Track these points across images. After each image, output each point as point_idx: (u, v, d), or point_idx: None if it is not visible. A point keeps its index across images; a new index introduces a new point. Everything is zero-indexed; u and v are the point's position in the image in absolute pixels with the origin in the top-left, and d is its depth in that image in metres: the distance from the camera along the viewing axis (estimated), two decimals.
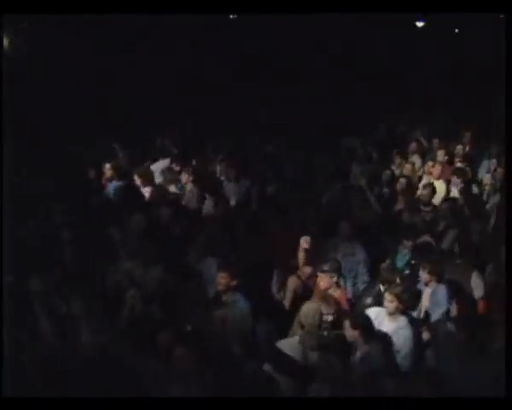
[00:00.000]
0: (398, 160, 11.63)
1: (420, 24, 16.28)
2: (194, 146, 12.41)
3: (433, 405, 4.48)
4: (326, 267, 6.89)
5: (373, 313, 6.38)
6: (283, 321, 6.67)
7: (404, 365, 6.15)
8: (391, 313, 6.35)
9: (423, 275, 7.10)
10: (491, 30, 10.23)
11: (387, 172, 10.79)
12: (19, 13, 6.37)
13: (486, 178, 10.72)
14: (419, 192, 10.58)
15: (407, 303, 6.43)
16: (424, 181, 10.81)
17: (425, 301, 7.01)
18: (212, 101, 13.48)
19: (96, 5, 6.79)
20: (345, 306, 6.81)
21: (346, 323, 6.07)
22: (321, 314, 5.82)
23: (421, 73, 14.80)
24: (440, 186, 10.60)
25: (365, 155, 11.59)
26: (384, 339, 6.18)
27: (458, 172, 10.51)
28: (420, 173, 11.48)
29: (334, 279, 6.88)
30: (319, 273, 6.94)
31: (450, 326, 6.21)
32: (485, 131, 12.79)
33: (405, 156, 11.94)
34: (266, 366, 5.58)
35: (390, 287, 6.50)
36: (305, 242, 7.13)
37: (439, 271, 7.02)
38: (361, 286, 7.75)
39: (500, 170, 10.82)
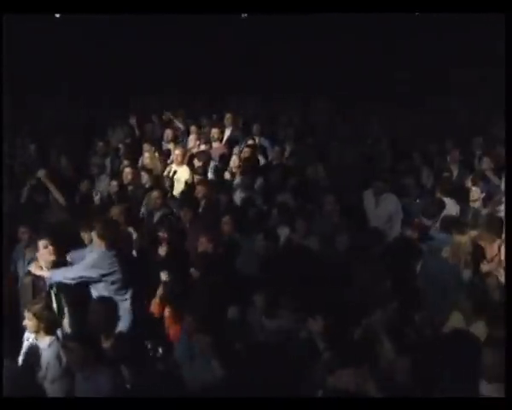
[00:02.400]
0: (147, 148, 10.62)
1: None
2: None
3: (433, 405, 4.25)
4: None
5: None
6: None
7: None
8: (34, 332, 5.50)
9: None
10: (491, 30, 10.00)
11: (125, 162, 9.83)
12: (19, 13, 6.50)
13: (233, 160, 9.92)
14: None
15: (48, 321, 5.49)
16: (167, 170, 9.94)
17: None
18: None
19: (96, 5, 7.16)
20: None
21: None
22: None
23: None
24: (184, 173, 9.76)
25: (105, 148, 10.51)
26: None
27: (198, 156, 9.72)
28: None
29: None
30: None
31: None
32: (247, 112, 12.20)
33: (158, 145, 10.96)
34: None
35: (29, 304, 5.59)
36: None
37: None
38: None
39: (247, 149, 10.16)
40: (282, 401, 4.24)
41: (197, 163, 9.65)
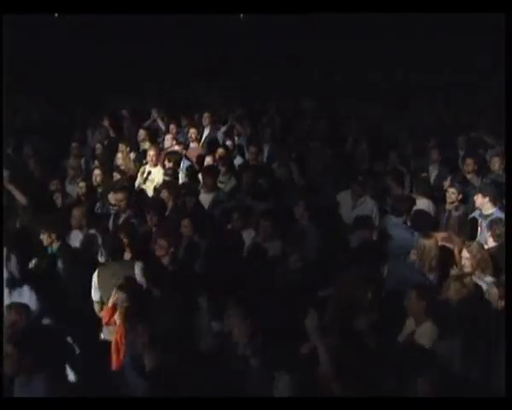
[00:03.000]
0: (122, 148, 10.39)
1: None
2: None
3: (434, 405, 4.24)
4: None
5: None
6: None
7: None
8: None
9: None
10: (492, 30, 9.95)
11: (96, 162, 9.65)
12: (19, 13, 6.53)
13: (208, 161, 9.72)
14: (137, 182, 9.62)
15: None
16: (141, 170, 9.73)
17: None
18: None
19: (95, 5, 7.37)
20: None
21: None
22: None
23: None
24: (157, 174, 9.55)
25: (79, 149, 10.34)
26: None
27: (168, 156, 9.49)
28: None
29: None
30: None
31: None
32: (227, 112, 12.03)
33: (135, 146, 10.76)
34: None
35: None
36: None
37: None
38: None
39: (221, 150, 9.96)
40: None
41: (168, 164, 9.42)
